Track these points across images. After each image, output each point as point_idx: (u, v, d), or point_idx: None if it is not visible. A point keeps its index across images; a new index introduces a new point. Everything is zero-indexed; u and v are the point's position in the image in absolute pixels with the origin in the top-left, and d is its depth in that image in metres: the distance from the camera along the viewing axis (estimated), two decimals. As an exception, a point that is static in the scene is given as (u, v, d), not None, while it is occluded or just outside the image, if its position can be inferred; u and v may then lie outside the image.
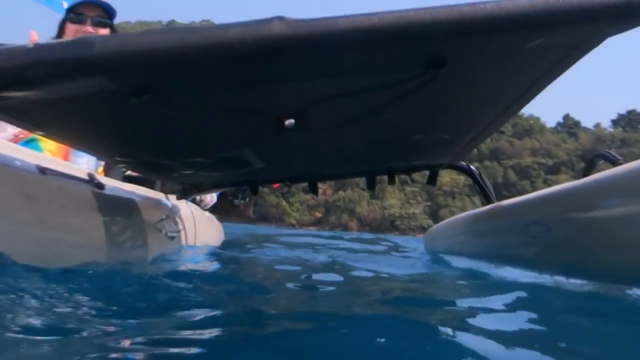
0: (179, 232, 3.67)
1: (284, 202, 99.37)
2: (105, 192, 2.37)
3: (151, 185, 3.60)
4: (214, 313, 1.81)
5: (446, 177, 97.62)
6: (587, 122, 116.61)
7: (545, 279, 2.77)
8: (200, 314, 1.74)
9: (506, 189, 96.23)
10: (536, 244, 2.66)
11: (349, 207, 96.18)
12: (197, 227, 4.33)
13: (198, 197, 5.02)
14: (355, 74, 1.43)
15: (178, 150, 2.33)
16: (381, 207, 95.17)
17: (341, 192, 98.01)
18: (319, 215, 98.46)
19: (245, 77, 1.22)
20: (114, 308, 1.52)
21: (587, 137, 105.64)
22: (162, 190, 3.64)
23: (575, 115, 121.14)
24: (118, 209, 2.63)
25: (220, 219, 6.29)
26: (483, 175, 4.24)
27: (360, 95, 1.60)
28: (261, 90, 1.45)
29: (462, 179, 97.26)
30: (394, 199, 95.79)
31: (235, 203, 6.13)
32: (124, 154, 2.48)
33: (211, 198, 5.31)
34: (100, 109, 1.55)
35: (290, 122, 1.69)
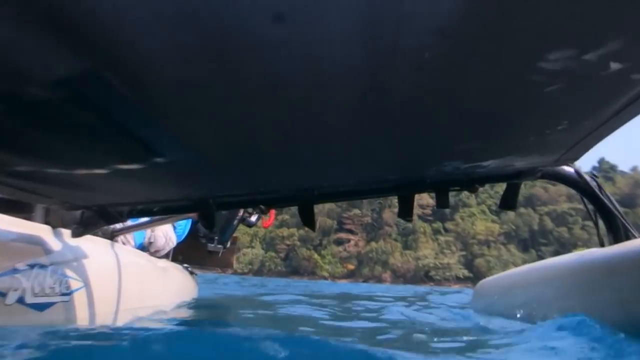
0: (67, 293, 2.16)
1: (315, 255, 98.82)
2: None
3: (27, 214, 2.34)
4: None
5: (480, 225, 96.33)
6: (624, 166, 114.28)
7: None
8: None
9: (543, 236, 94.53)
10: None
11: (382, 258, 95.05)
12: (130, 282, 2.73)
13: (146, 240, 3.65)
14: None
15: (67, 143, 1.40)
16: (415, 258, 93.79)
17: (373, 243, 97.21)
18: (351, 267, 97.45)
19: None
20: None
21: (625, 181, 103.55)
22: (46, 222, 2.36)
23: (611, 159, 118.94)
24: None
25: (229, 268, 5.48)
26: (606, 192, 2.85)
27: None
28: None
29: (496, 227, 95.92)
30: (428, 249, 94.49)
31: (210, 248, 4.82)
32: None
33: (167, 240, 3.96)
34: None
35: None
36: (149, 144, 1.35)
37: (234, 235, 5.13)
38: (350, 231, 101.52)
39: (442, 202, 2.21)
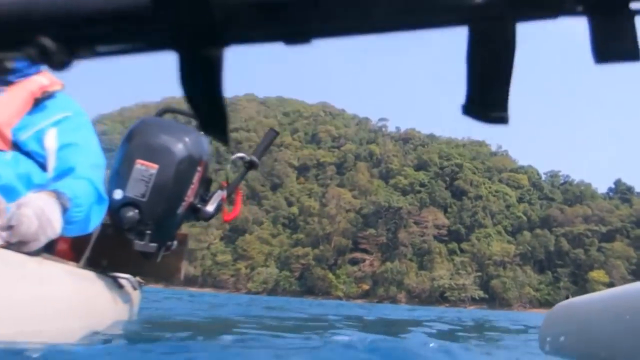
0: None
1: (330, 274, 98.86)
2: None
3: None
4: None
5: (496, 246, 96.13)
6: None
7: None
8: None
9: (559, 257, 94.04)
10: None
11: (397, 278, 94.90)
12: None
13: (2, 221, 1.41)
14: None
15: None
16: (430, 278, 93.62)
17: (388, 263, 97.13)
18: (366, 287, 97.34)
19: None
20: None
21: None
22: None
23: (628, 180, 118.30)
24: None
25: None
26: None
27: None
28: None
29: (512, 247, 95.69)
30: (443, 269, 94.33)
31: (139, 247, 2.97)
32: None
33: (43, 226, 1.99)
34: None
35: None
36: None
37: (182, 232, 3.56)
38: (365, 251, 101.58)
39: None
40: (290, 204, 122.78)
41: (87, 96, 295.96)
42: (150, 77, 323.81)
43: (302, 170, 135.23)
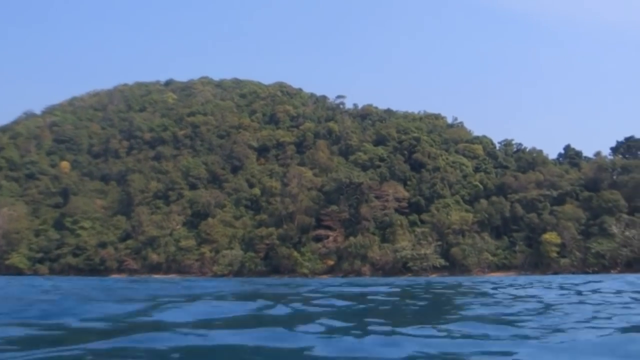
0: None
1: (295, 253, 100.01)
2: None
3: None
4: None
5: (455, 215, 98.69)
6: (588, 152, 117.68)
7: None
8: None
9: (514, 222, 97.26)
10: None
11: (361, 252, 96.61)
12: None
13: None
14: None
15: None
16: (392, 250, 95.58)
17: (352, 238, 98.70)
18: (331, 262, 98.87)
19: None
20: None
21: (589, 167, 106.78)
22: None
23: (576, 146, 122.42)
24: None
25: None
26: None
27: None
28: None
29: (470, 216, 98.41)
30: (405, 241, 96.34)
31: None
32: None
33: None
34: None
35: None
36: None
37: None
38: (328, 227, 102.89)
39: None
40: (251, 186, 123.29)
41: (35, 88, 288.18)
42: (101, 65, 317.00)
43: (261, 151, 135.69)
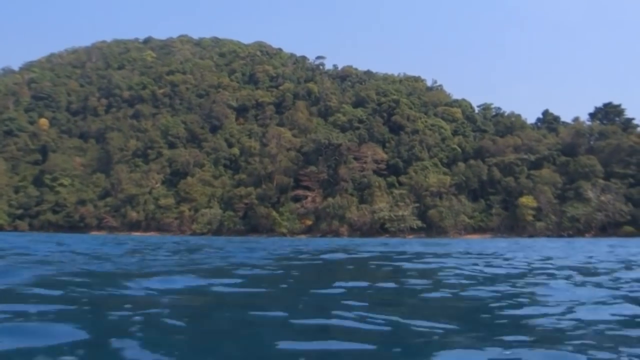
0: None
1: (274, 212, 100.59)
2: None
3: None
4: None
5: (433, 177, 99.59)
6: (566, 117, 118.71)
7: None
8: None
9: (492, 186, 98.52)
10: None
11: (339, 213, 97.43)
12: None
13: None
14: None
15: None
16: (370, 212, 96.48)
17: (330, 199, 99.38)
18: (309, 222, 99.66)
19: None
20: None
21: (567, 132, 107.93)
22: None
23: (555, 111, 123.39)
24: None
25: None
26: None
27: None
28: None
29: (448, 178, 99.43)
30: (383, 202, 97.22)
31: None
32: None
33: None
34: None
35: None
36: None
37: None
38: (307, 188, 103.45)
39: None
40: (230, 145, 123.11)
41: (13, 44, 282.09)
42: (79, 22, 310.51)
43: (241, 111, 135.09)
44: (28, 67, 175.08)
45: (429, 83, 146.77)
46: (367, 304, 5.71)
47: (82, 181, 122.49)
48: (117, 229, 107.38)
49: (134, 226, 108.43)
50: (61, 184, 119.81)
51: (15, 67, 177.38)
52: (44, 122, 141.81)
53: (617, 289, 7.53)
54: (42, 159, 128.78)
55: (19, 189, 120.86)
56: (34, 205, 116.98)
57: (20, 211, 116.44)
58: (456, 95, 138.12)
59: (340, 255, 17.34)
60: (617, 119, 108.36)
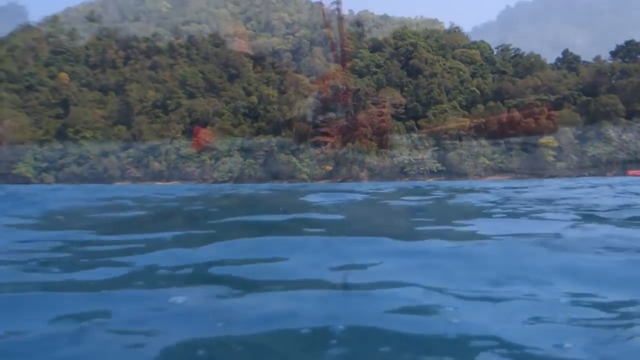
0: None
1: (293, 159, 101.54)
2: None
3: None
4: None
5: (452, 120, 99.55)
6: (587, 56, 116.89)
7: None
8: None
9: (511, 127, 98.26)
10: None
11: (359, 158, 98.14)
12: None
13: None
14: None
15: None
16: (390, 156, 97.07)
17: (349, 144, 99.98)
18: (329, 168, 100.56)
19: None
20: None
21: (587, 71, 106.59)
22: None
23: (575, 50, 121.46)
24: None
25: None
26: None
27: None
28: None
29: (467, 121, 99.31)
30: (402, 146, 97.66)
31: None
32: None
33: None
34: None
35: None
36: None
37: None
38: (326, 134, 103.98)
39: None
40: (248, 94, 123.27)
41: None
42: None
43: (258, 59, 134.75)
44: (45, 22, 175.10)
45: (446, 26, 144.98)
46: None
47: (103, 133, 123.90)
48: (140, 179, 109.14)
49: (157, 176, 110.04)
50: (84, 137, 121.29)
51: (33, 23, 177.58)
52: (64, 76, 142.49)
53: None
54: (64, 112, 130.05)
55: (43, 143, 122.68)
56: (58, 158, 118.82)
57: (45, 164, 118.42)
58: (474, 37, 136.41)
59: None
60: (639, 56, 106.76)
